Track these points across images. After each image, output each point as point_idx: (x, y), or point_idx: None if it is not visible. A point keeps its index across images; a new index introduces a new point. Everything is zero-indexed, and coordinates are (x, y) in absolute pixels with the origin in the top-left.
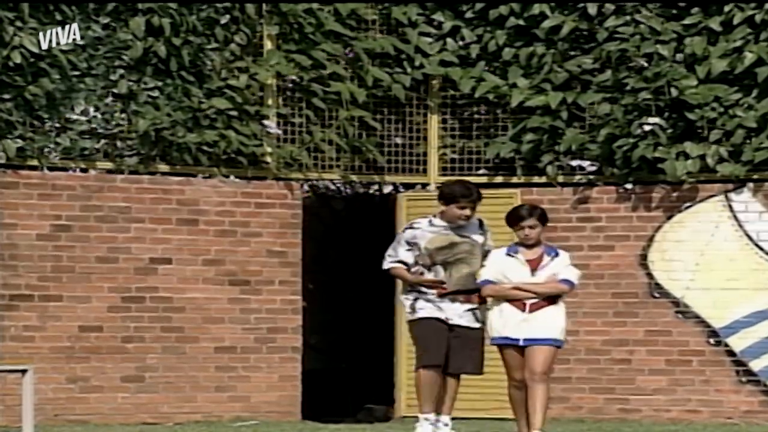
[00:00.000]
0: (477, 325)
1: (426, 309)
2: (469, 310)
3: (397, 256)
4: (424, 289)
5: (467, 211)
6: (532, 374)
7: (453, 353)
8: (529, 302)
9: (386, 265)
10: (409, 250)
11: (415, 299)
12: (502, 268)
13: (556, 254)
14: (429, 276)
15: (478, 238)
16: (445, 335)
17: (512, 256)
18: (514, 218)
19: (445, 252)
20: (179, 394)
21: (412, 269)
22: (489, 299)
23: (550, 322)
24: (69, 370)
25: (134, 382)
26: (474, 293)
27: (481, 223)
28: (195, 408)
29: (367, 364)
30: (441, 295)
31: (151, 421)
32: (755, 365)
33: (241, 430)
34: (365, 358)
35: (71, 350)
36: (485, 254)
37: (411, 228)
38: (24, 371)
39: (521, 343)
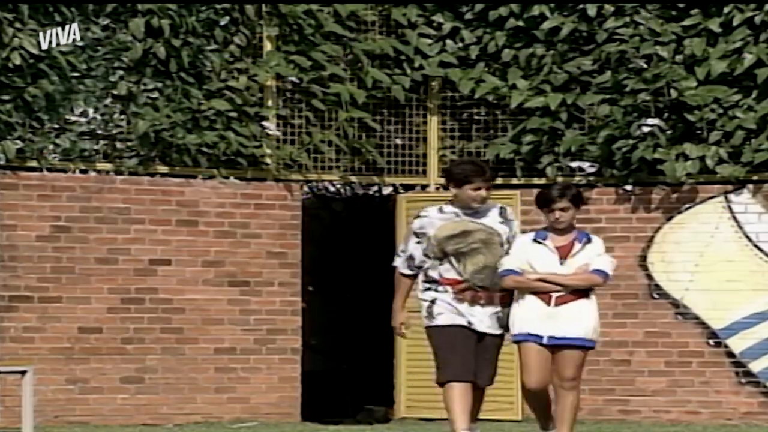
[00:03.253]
0: (499, 332)
1: (445, 314)
2: (493, 314)
3: (407, 251)
4: (441, 288)
5: (482, 192)
6: (561, 380)
7: (479, 365)
8: (555, 295)
9: (397, 262)
10: (418, 242)
11: (432, 301)
12: (528, 256)
13: (589, 240)
14: (443, 268)
15: (500, 228)
16: (471, 345)
17: (540, 243)
18: (543, 200)
19: (456, 241)
20: (179, 396)
21: (417, 263)
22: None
23: (579, 319)
24: (68, 372)
25: (134, 383)
26: (495, 292)
27: (503, 211)
28: (195, 409)
29: (367, 365)
30: (459, 294)
31: (151, 422)
32: (755, 366)
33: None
34: (365, 360)
35: (71, 351)
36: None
37: (419, 217)
38: (23, 372)
39: (545, 341)
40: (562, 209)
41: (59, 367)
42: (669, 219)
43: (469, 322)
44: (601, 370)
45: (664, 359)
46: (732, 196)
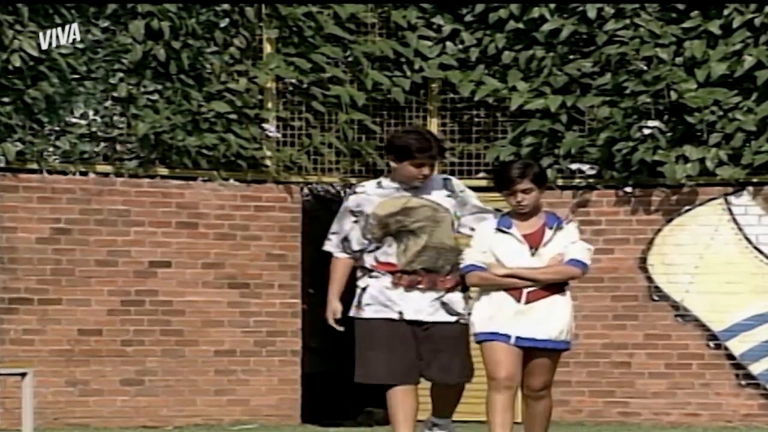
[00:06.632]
0: (451, 319)
1: (373, 306)
2: (435, 299)
3: (341, 232)
4: (375, 273)
5: (426, 170)
6: (531, 390)
7: (427, 360)
8: (526, 290)
9: (327, 246)
10: (355, 221)
11: (364, 288)
12: (492, 247)
13: (559, 225)
14: (380, 251)
15: (446, 203)
16: (401, 341)
17: (505, 232)
18: (502, 180)
19: (399, 219)
20: (179, 398)
21: (355, 246)
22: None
23: (553, 318)
24: (68, 374)
25: (134, 385)
26: (440, 275)
27: (447, 182)
28: (194, 411)
29: None
30: (395, 280)
31: (151, 424)
32: (755, 368)
33: None
34: None
35: (71, 353)
36: (458, 214)
37: (354, 194)
38: (23, 374)
39: (512, 341)
40: (524, 191)
41: (59, 369)
42: (669, 221)
43: (401, 313)
44: (601, 372)
45: (664, 361)
46: (732, 198)
